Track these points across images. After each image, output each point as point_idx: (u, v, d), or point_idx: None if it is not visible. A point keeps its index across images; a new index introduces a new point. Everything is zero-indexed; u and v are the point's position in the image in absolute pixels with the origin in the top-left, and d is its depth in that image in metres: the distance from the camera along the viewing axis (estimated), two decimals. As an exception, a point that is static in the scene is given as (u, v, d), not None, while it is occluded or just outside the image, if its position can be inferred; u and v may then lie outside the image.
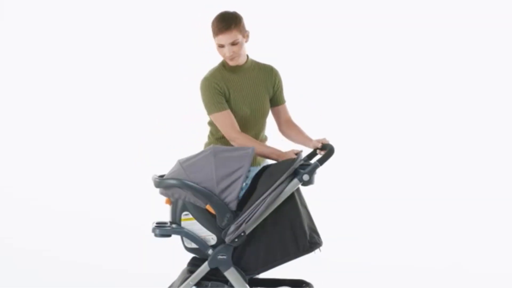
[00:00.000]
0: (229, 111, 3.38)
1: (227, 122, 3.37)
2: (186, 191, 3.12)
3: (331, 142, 3.25)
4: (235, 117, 3.40)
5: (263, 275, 3.27)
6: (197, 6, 6.18)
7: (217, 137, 3.47)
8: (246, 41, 3.47)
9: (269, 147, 3.39)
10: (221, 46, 3.39)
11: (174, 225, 3.20)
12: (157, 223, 3.25)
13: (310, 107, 6.38)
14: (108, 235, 5.78)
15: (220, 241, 3.13)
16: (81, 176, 6.43)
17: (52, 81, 6.59)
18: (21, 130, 6.58)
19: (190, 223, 3.15)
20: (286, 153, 3.30)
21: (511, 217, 6.03)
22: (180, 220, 3.17)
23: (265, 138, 3.60)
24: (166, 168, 3.30)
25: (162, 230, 3.19)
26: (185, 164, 3.18)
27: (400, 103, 6.46)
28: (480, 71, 6.47)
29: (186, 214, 3.16)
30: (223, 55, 3.42)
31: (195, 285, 3.17)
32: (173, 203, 3.20)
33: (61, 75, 6.58)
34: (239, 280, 3.14)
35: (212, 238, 3.15)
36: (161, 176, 3.24)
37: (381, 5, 6.47)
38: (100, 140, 6.44)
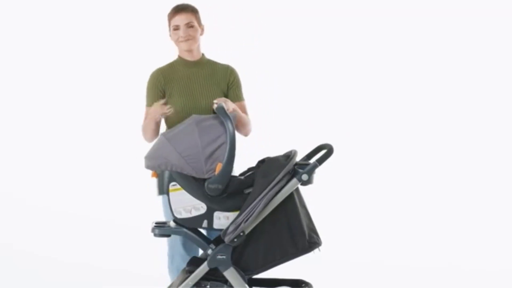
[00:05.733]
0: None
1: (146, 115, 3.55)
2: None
3: (330, 142, 3.25)
4: (176, 108, 3.46)
5: (263, 275, 3.27)
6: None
7: None
8: (201, 34, 3.59)
9: (146, 118, 3.50)
10: (176, 28, 3.52)
11: (173, 225, 3.21)
12: (156, 223, 3.26)
13: (310, 107, 6.39)
14: (108, 235, 5.79)
15: (210, 209, 3.11)
16: (80, 177, 6.42)
17: (50, 82, 6.58)
18: (21, 131, 6.58)
19: (178, 193, 3.12)
20: (152, 111, 3.42)
21: (507, 216, 6.03)
22: (168, 191, 3.15)
23: None
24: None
25: (161, 230, 3.19)
26: (169, 135, 3.16)
27: (398, 103, 6.45)
28: (480, 71, 6.46)
29: (173, 185, 3.13)
30: (177, 39, 3.53)
31: (195, 285, 3.17)
32: (160, 176, 3.19)
33: (59, 75, 6.57)
34: (239, 280, 3.14)
35: (202, 207, 3.11)
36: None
37: (379, 5, 6.48)
38: (99, 140, 6.44)
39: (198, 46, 3.59)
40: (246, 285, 3.16)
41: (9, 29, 6.57)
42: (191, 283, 3.16)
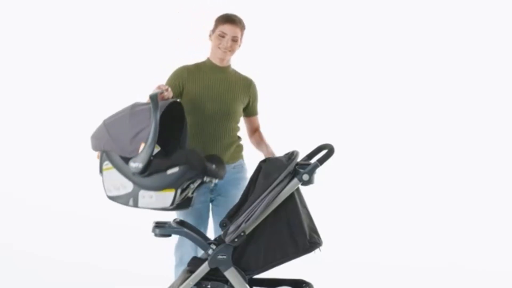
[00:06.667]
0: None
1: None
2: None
3: (331, 142, 3.25)
4: (197, 111, 3.54)
5: (263, 275, 3.27)
6: (192, 12, 6.20)
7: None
8: (237, 49, 3.66)
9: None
10: (222, 36, 3.57)
11: (174, 225, 3.21)
12: (157, 223, 3.26)
13: (311, 107, 6.39)
14: (108, 235, 5.78)
15: (136, 188, 3.13)
16: (80, 177, 6.42)
17: (50, 82, 6.59)
18: (20, 131, 6.58)
19: (110, 172, 3.18)
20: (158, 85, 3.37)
21: (507, 216, 6.04)
22: (102, 170, 3.22)
23: (235, 140, 3.69)
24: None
25: (162, 230, 3.20)
26: (106, 119, 3.24)
27: (398, 104, 6.46)
28: (480, 72, 6.47)
29: (106, 164, 3.20)
30: (218, 45, 3.58)
31: (195, 285, 3.17)
32: (100, 156, 3.24)
33: (59, 76, 6.58)
34: (239, 280, 3.14)
35: (129, 185, 3.15)
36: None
37: (378, 6, 6.48)
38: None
39: (230, 58, 3.67)
40: (247, 285, 3.16)
41: (9, 29, 6.58)
42: (192, 283, 3.16)
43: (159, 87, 3.31)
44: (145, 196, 3.14)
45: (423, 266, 5.22)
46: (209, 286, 3.17)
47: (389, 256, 5.42)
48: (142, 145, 3.08)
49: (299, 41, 6.44)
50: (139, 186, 3.13)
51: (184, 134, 3.48)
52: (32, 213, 6.16)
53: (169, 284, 3.34)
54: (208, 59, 3.67)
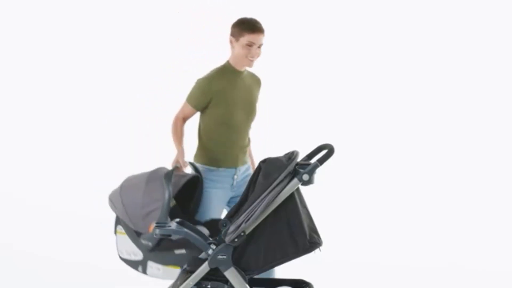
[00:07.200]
0: (194, 110, 3.58)
1: (183, 110, 3.58)
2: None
3: (331, 142, 3.26)
4: (229, 117, 3.55)
5: (263, 275, 3.27)
6: (193, 13, 6.20)
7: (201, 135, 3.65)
8: None
9: (178, 146, 3.52)
10: (249, 45, 3.51)
11: (174, 225, 3.22)
12: (157, 223, 3.26)
13: (310, 107, 6.39)
14: (108, 235, 5.76)
15: (145, 258, 3.32)
16: (80, 177, 6.42)
17: (50, 83, 6.59)
18: (20, 131, 6.57)
19: (122, 237, 3.40)
20: (178, 156, 3.49)
21: (507, 216, 6.04)
22: (116, 232, 3.43)
23: (249, 141, 3.74)
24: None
25: (162, 230, 3.21)
26: (124, 184, 3.41)
27: (398, 104, 6.46)
28: (480, 72, 6.47)
29: (120, 228, 3.41)
30: (246, 55, 3.52)
31: (195, 285, 3.18)
32: (115, 218, 3.43)
33: (59, 76, 6.58)
34: (239, 280, 3.14)
35: (139, 254, 3.34)
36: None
37: (378, 6, 6.48)
38: (99, 140, 6.44)
39: None
40: (247, 285, 3.16)
41: (9, 29, 6.58)
42: (192, 283, 3.17)
43: (176, 162, 3.44)
44: (153, 267, 3.35)
45: (423, 266, 5.22)
46: (209, 286, 3.18)
47: (389, 256, 5.41)
48: (153, 226, 3.22)
49: (299, 41, 6.44)
50: (148, 257, 3.33)
51: (197, 199, 3.57)
52: (32, 213, 6.15)
53: (169, 284, 3.34)
54: (229, 64, 3.60)
